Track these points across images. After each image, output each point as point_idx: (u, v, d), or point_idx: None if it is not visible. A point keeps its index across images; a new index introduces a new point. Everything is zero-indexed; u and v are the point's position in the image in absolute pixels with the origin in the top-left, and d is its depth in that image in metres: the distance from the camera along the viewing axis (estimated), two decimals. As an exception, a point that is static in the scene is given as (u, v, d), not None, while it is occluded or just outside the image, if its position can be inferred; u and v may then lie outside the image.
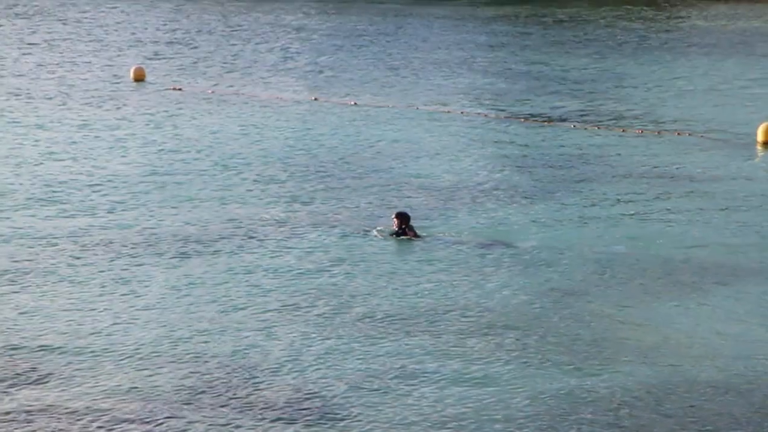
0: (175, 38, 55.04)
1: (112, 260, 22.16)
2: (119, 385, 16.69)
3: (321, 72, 45.96)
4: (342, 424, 15.75)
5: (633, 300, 20.48)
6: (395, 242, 23.54)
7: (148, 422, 15.61)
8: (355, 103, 38.86)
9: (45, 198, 26.52)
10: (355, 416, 15.97)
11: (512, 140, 34.03)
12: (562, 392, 16.71)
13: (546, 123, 36.26)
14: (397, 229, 23.79)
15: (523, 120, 36.71)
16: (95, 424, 15.55)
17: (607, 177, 29.49)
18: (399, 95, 40.72)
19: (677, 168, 30.47)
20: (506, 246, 23.42)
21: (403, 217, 23.91)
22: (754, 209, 26.54)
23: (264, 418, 15.81)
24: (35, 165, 29.81)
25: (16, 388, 16.56)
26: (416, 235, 23.74)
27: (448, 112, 37.76)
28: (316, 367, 17.44)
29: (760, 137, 33.38)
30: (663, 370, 17.49)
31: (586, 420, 15.91)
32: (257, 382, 16.89)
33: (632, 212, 26.13)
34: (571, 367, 17.57)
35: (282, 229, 24.44)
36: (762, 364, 17.76)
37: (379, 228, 24.22)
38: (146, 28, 58.18)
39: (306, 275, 21.53)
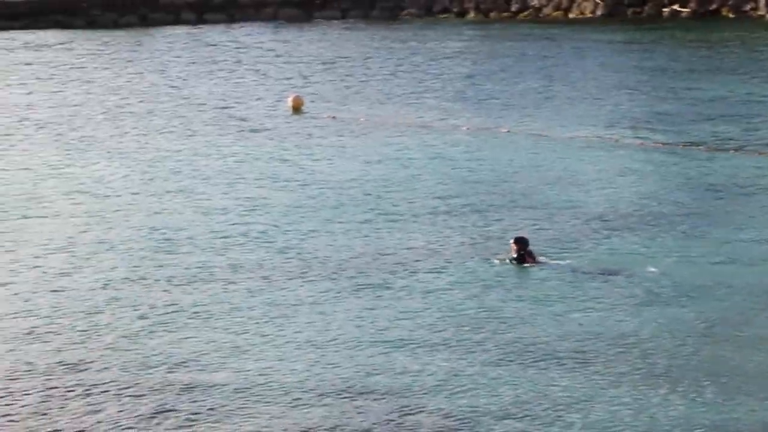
0: (334, 66, 55.86)
1: (263, 289, 22.66)
2: (282, 420, 17.12)
3: (475, 99, 46.13)
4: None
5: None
6: (519, 269, 23.48)
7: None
8: (508, 131, 38.97)
9: (202, 227, 27.24)
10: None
11: (667, 167, 33.75)
12: (717, 423, 16.62)
13: (703, 149, 35.85)
14: (515, 255, 23.64)
15: (681, 146, 36.34)
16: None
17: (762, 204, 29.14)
18: (551, 122, 40.66)
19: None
20: (635, 274, 23.24)
21: (521, 242, 23.72)
22: None
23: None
24: (192, 193, 30.65)
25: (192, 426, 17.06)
26: (535, 261, 23.59)
27: (603, 139, 37.60)
28: (468, 394, 17.64)
29: None
30: None
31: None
32: (410, 410, 17.17)
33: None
34: (725, 398, 17.46)
35: (429, 258, 24.66)
36: None
37: (498, 256, 24.13)
38: (305, 56, 59.11)
39: (450, 303, 21.75)
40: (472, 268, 23.80)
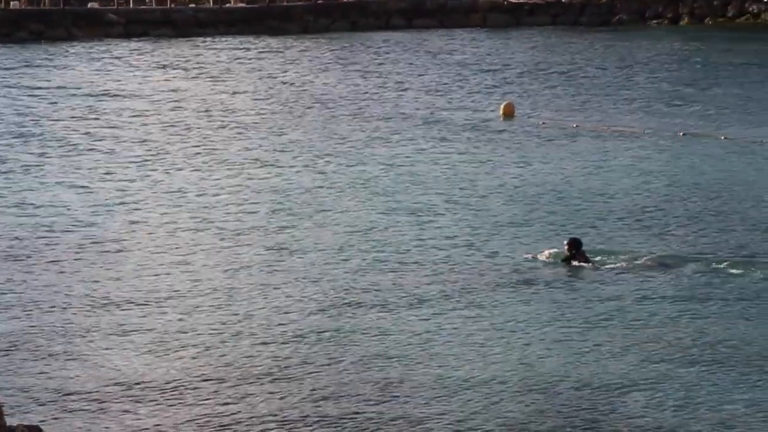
0: (545, 72, 55.57)
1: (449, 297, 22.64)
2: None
3: (690, 105, 45.26)
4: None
5: None
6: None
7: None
8: (725, 138, 38.08)
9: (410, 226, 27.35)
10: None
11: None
12: None
13: None
14: (568, 254, 24.26)
15: None
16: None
17: None
18: (764, 130, 39.69)
19: None
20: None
21: (574, 243, 24.37)
22: None
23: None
24: (396, 193, 30.80)
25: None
26: (587, 261, 24.15)
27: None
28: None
29: None
30: None
31: None
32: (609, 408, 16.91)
33: None
34: None
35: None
36: None
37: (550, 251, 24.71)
38: (515, 63, 58.94)
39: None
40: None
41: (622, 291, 22.56)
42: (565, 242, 24.63)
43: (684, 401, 17.44)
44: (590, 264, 24.12)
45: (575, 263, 24.16)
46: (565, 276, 23.73)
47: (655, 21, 77.03)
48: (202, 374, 18.60)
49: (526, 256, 24.79)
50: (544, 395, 17.71)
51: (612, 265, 24.18)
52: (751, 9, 76.14)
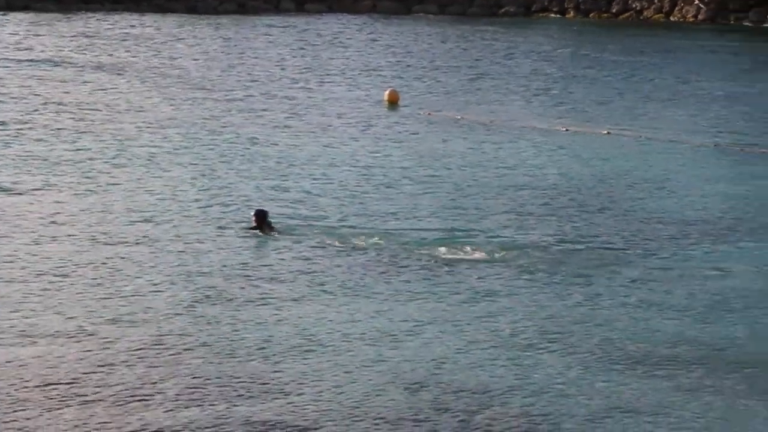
0: (430, 62, 55.80)
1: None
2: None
3: (573, 100, 45.81)
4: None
5: None
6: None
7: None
8: (608, 132, 38.61)
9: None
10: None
11: (760, 174, 33.39)
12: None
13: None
14: (255, 224, 25.54)
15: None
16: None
17: None
18: (650, 125, 40.27)
19: None
20: (715, 281, 23.15)
21: (260, 214, 25.64)
22: None
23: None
24: (272, 179, 30.71)
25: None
26: (272, 229, 25.49)
27: (704, 144, 37.21)
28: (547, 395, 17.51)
29: None
30: None
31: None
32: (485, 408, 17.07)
33: None
34: None
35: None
36: None
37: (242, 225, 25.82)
38: (401, 51, 59.07)
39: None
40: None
41: (475, 283, 22.70)
42: (252, 214, 25.70)
43: (545, 387, 17.67)
44: (275, 232, 25.31)
45: (261, 233, 25.28)
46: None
47: (542, 13, 77.94)
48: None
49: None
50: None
51: (472, 256, 24.35)
52: (634, 6, 77.39)
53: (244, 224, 25.91)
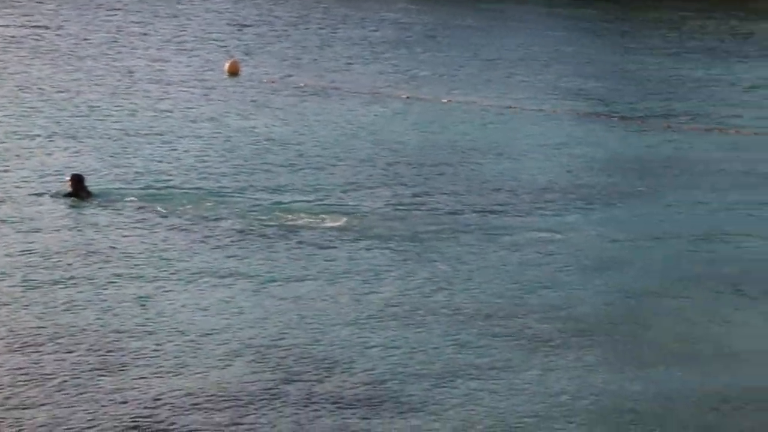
0: (270, 30, 55.51)
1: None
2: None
3: (413, 68, 46.03)
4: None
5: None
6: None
7: None
8: (449, 101, 38.99)
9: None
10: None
11: (604, 140, 34.11)
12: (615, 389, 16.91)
13: (638, 122, 36.20)
14: (71, 190, 25.31)
15: (606, 118, 36.67)
16: None
17: (689, 178, 29.57)
18: (490, 93, 40.74)
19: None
20: (556, 245, 23.66)
21: (75, 178, 25.43)
22: None
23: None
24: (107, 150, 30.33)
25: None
26: (89, 195, 25.30)
27: (542, 110, 37.82)
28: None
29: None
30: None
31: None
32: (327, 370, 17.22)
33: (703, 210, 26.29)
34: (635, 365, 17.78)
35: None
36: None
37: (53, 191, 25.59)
38: (242, 18, 58.58)
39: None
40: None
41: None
42: (67, 178, 25.56)
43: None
44: (90, 197, 25.21)
45: (78, 199, 25.08)
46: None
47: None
48: None
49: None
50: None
51: (310, 222, 24.52)
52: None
53: (60, 190, 25.56)
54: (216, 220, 24.29)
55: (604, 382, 17.27)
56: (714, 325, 19.73)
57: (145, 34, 52.43)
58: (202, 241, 22.89)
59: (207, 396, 16.33)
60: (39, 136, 31.03)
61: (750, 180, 29.48)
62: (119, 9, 59.76)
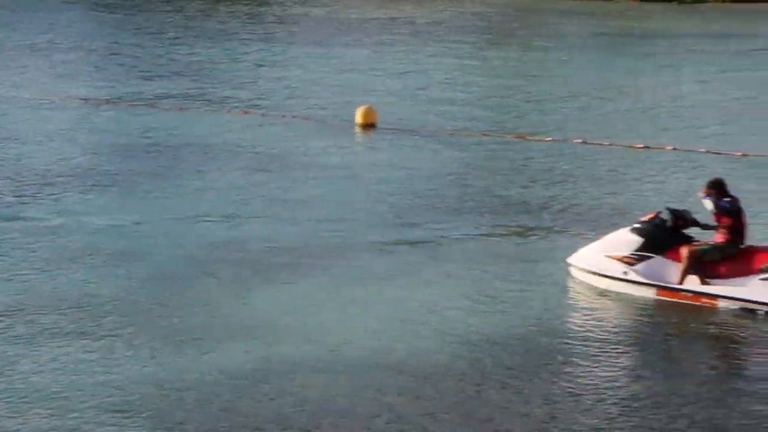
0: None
1: None
2: None
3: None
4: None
5: (228, 286, 20.49)
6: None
7: None
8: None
9: None
10: None
11: (114, 124, 33.55)
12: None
13: (147, 106, 35.88)
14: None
15: (127, 104, 36.18)
16: None
17: (207, 159, 29.55)
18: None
19: (282, 148, 30.81)
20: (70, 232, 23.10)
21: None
22: (355, 187, 27.09)
23: None
24: None
25: None
26: None
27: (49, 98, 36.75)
28: None
29: (358, 120, 34.01)
30: (262, 351, 17.58)
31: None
32: None
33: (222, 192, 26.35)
34: (167, 352, 17.45)
35: None
36: (359, 344, 17.96)
37: None
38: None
39: None
40: None
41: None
42: None
43: None
44: None
45: None
46: None
47: None
48: None
49: None
50: None
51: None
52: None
53: None
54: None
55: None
56: (238, 303, 19.67)
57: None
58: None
59: None
60: None
61: (263, 161, 29.68)
62: None
